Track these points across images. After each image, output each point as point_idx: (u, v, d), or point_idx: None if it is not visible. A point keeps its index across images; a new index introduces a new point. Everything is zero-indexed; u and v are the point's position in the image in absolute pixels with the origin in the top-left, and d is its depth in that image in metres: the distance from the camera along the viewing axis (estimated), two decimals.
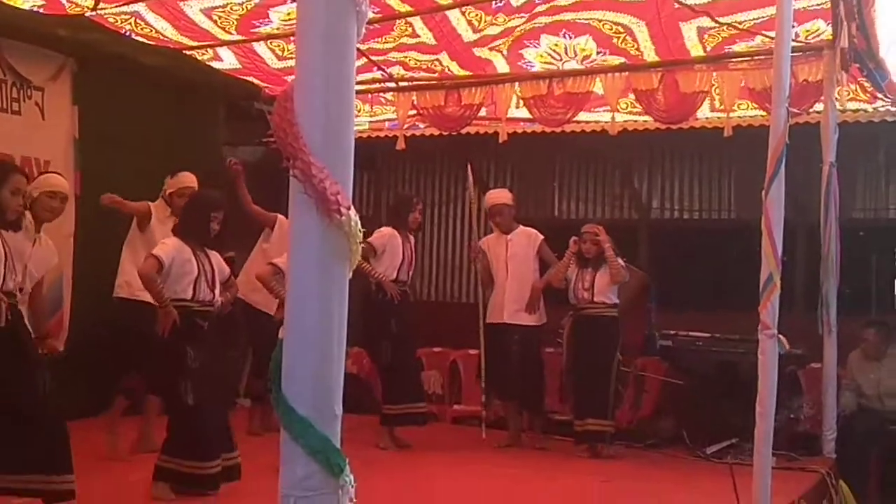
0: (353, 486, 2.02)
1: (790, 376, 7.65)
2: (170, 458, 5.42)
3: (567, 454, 7.40)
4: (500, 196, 8.00)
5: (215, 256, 5.78)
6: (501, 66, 7.97)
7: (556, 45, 7.44)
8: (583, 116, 8.46)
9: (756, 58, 7.37)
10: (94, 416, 7.14)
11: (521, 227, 7.91)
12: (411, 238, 7.64)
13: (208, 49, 7.74)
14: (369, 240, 7.31)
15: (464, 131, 8.81)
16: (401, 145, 8.75)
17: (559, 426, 7.94)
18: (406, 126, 8.84)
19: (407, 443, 7.42)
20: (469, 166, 8.36)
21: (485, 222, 8.12)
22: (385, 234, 7.40)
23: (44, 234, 5.43)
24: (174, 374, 5.46)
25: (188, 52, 7.76)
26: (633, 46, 7.35)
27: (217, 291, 5.68)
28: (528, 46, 7.51)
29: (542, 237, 7.81)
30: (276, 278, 6.34)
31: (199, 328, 5.56)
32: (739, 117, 8.11)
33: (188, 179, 6.72)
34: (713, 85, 7.66)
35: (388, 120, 9.27)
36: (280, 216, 7.53)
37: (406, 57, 7.87)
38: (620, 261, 7.41)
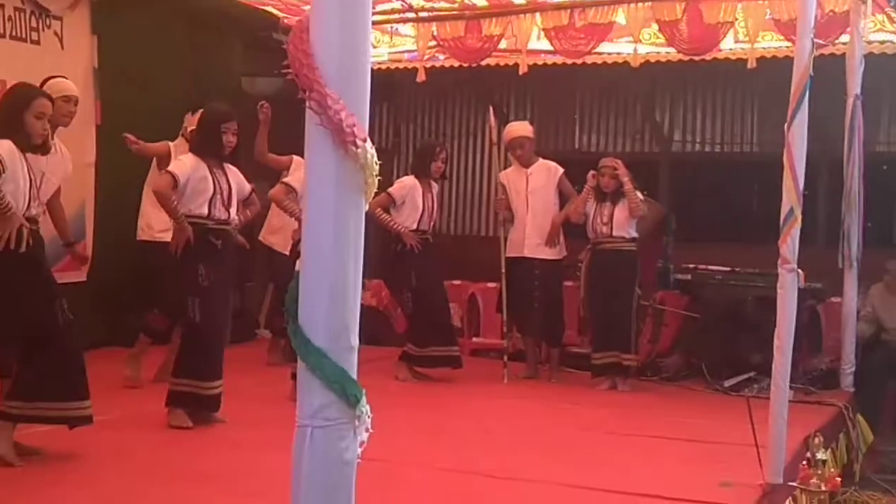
0: (369, 417, 2.04)
1: (810, 310, 7.64)
2: (178, 380, 5.48)
3: (585, 386, 7.44)
4: (520, 129, 7.94)
5: (234, 173, 5.72)
6: None
7: None
8: (604, 48, 8.35)
9: None
10: (113, 347, 7.24)
11: (541, 160, 7.86)
12: (434, 186, 7.59)
13: None
14: (389, 190, 7.30)
15: (484, 63, 8.73)
16: (420, 77, 8.68)
17: (576, 359, 7.98)
18: (426, 58, 8.76)
19: (425, 375, 7.47)
20: (491, 107, 8.27)
21: (506, 162, 8.05)
22: (405, 185, 7.36)
23: (58, 140, 5.39)
24: (184, 291, 5.49)
25: None
26: None
27: (233, 210, 5.63)
28: None
29: (561, 170, 7.74)
30: (290, 197, 6.33)
31: (212, 247, 5.52)
32: (763, 49, 7.98)
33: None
34: (737, 18, 7.54)
35: (408, 51, 9.18)
36: (294, 156, 7.52)
37: None
38: (639, 194, 7.36)
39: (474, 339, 9.22)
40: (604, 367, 7.40)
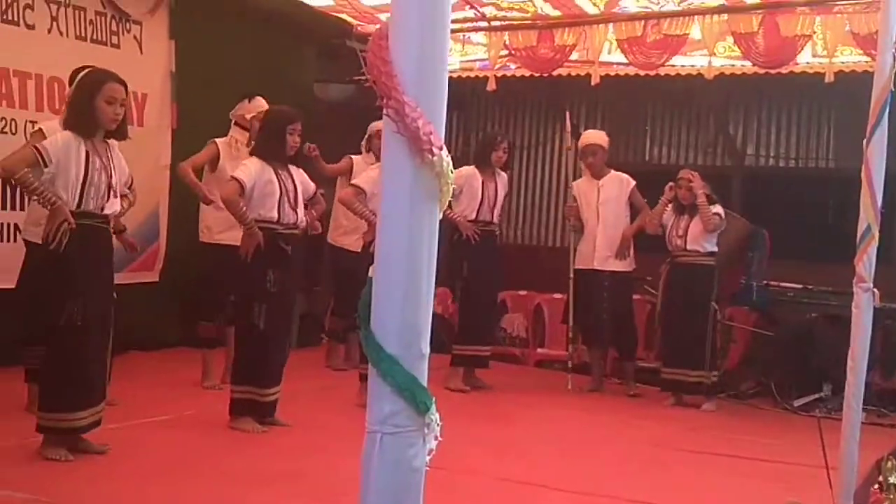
0: (439, 425, 2.03)
1: (885, 331, 7.47)
2: (239, 388, 5.48)
3: (652, 401, 7.37)
4: (595, 136, 7.86)
5: (299, 174, 5.70)
6: (592, 9, 7.83)
7: None
8: (678, 60, 8.28)
9: (862, 1, 7.11)
10: (185, 347, 7.34)
11: (613, 171, 7.80)
12: (498, 177, 7.50)
13: None
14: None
15: (555, 73, 8.70)
16: (491, 86, 8.68)
17: (642, 373, 7.91)
18: (497, 67, 8.76)
19: (484, 384, 7.43)
20: (567, 113, 8.23)
21: (577, 168, 7.99)
22: (462, 174, 7.22)
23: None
24: (251, 296, 5.47)
25: None
26: None
27: (300, 212, 5.61)
28: None
29: (633, 182, 7.68)
30: (360, 199, 6.26)
31: (282, 252, 5.52)
32: (842, 63, 7.84)
33: (263, 103, 6.59)
34: (815, 31, 7.42)
35: (479, 60, 9.19)
36: (352, 157, 7.56)
37: None
38: (717, 208, 7.22)
39: (539, 349, 9.19)
40: (672, 384, 7.31)
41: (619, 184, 7.67)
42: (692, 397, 7.26)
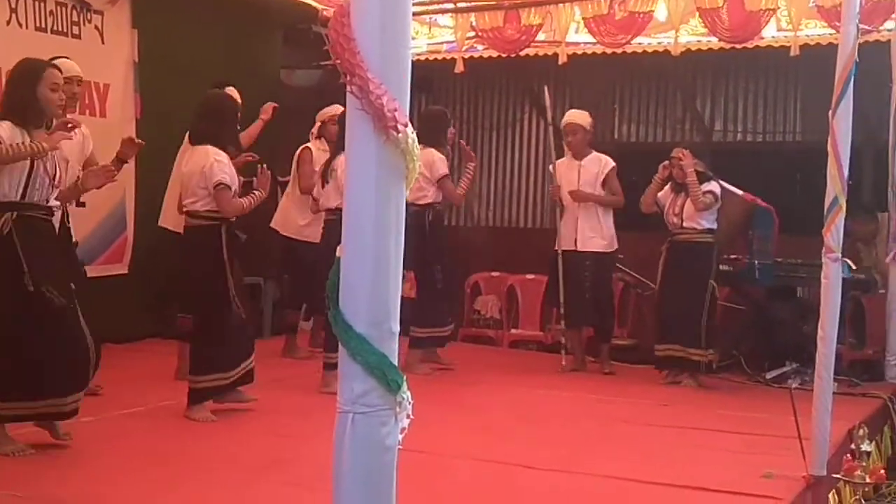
0: (410, 403, 2.03)
1: (854, 302, 7.54)
2: (198, 378, 5.47)
3: (625, 378, 7.39)
4: (575, 116, 7.72)
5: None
6: None
7: None
8: (644, 38, 8.29)
9: None
10: (156, 338, 7.30)
11: (595, 152, 7.69)
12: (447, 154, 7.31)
13: None
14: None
15: (523, 53, 8.69)
16: (459, 68, 8.67)
17: (617, 351, 7.94)
18: (464, 48, 8.75)
19: (446, 362, 7.38)
20: (546, 88, 8.13)
21: (559, 144, 7.90)
22: (435, 158, 7.08)
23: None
24: (219, 289, 5.42)
25: None
26: None
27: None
28: None
29: (612, 165, 7.57)
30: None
31: (238, 240, 5.54)
32: (807, 36, 7.88)
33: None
34: (779, 5, 7.46)
35: (447, 42, 9.18)
36: (307, 146, 7.46)
37: None
38: (710, 185, 7.12)
39: (513, 330, 9.20)
40: (666, 360, 7.29)
41: (598, 165, 7.60)
42: (683, 375, 7.23)
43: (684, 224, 7.20)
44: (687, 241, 7.21)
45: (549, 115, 8.05)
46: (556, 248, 7.66)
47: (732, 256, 7.82)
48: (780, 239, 7.69)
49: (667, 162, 7.29)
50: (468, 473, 4.67)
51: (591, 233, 7.53)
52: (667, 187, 7.32)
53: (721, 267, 7.43)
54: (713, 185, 7.17)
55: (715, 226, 7.22)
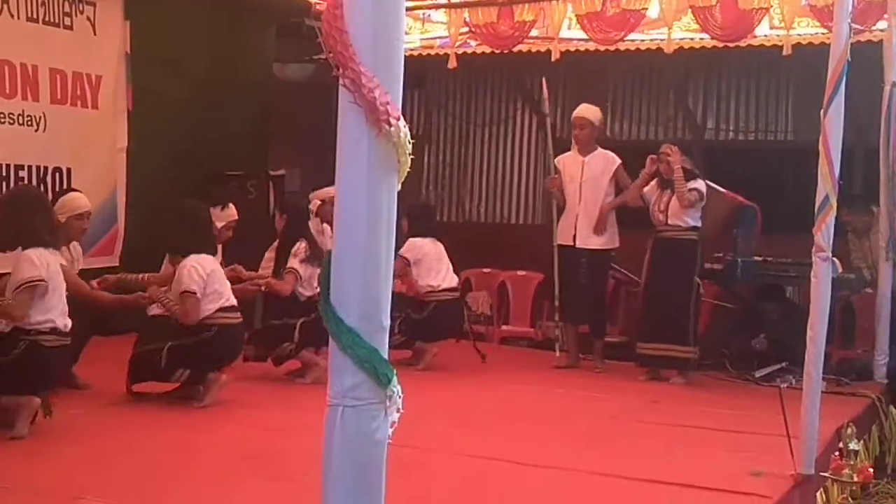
0: (400, 397, 2.03)
1: (843, 301, 7.55)
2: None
3: (616, 375, 7.39)
4: (585, 110, 7.66)
5: None
6: None
7: None
8: (637, 35, 8.29)
9: None
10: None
11: (600, 149, 7.64)
12: None
13: None
14: None
15: (516, 49, 8.68)
16: (452, 64, 8.65)
17: (607, 349, 7.93)
18: (458, 44, 8.73)
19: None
20: (544, 80, 8.10)
21: (554, 135, 7.84)
22: None
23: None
24: None
25: None
26: None
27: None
28: None
29: (619, 161, 7.53)
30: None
31: None
32: (799, 35, 7.88)
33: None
34: (771, 4, 7.46)
35: (440, 38, 9.16)
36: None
37: None
38: (696, 183, 7.11)
39: (504, 326, 9.20)
40: (650, 358, 7.27)
41: (604, 162, 7.56)
42: (666, 371, 7.24)
43: (669, 221, 7.20)
44: (672, 238, 7.21)
45: (546, 107, 8.02)
46: (554, 242, 7.65)
47: (717, 254, 7.82)
48: (770, 237, 7.70)
49: (654, 156, 7.30)
50: (457, 469, 4.67)
51: (590, 230, 7.52)
52: (653, 183, 7.32)
53: (706, 265, 7.43)
54: (699, 183, 7.18)
55: (700, 224, 7.24)
